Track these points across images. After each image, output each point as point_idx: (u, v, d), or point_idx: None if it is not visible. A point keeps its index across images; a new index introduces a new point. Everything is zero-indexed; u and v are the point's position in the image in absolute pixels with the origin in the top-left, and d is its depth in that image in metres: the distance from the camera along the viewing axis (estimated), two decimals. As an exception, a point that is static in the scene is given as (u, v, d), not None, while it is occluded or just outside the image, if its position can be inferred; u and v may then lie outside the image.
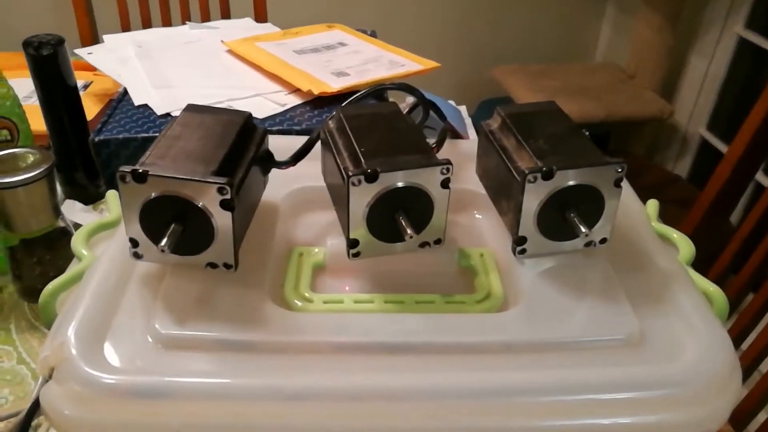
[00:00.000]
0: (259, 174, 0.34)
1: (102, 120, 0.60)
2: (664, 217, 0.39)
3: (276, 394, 0.27)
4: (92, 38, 1.17)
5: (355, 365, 0.28)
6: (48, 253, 0.53)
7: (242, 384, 0.27)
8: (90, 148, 0.58)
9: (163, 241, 0.28)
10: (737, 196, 0.86)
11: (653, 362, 0.28)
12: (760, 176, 1.37)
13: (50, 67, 0.60)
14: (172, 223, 0.29)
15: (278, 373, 0.27)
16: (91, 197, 0.68)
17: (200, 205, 0.29)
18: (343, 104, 0.37)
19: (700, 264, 0.36)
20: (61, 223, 0.54)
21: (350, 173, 0.29)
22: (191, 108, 0.34)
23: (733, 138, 0.82)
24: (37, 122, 0.65)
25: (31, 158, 0.51)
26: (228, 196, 0.28)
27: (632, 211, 0.37)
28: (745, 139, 0.80)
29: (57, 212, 0.53)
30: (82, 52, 0.75)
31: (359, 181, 0.29)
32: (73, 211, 0.64)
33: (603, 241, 0.33)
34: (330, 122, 0.35)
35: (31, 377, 0.49)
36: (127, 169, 0.28)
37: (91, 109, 0.75)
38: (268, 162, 0.35)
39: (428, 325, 0.30)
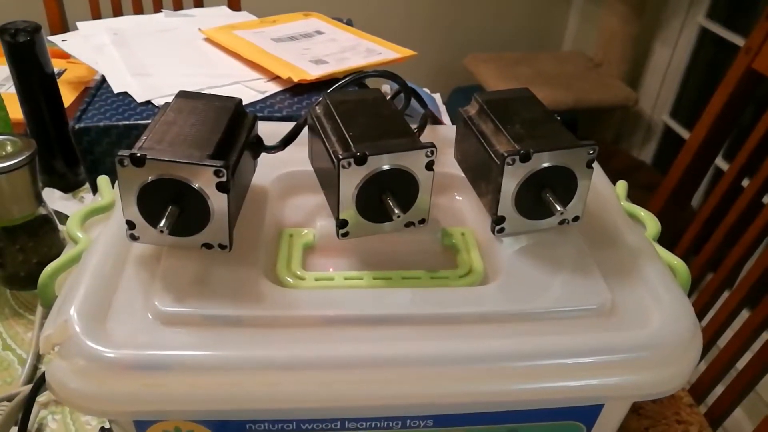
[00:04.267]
0: (250, 158, 0.35)
1: (81, 107, 0.60)
2: (631, 201, 0.42)
3: (271, 364, 0.28)
4: (62, 25, 1.15)
5: (347, 336, 0.30)
6: (30, 241, 0.54)
7: (239, 356, 0.28)
8: (70, 135, 0.59)
9: (162, 223, 0.29)
10: (698, 181, 0.90)
11: (623, 329, 0.30)
12: (719, 161, 1.42)
13: (27, 54, 0.60)
14: (169, 206, 0.30)
15: (274, 345, 0.29)
16: (70, 185, 0.68)
17: (196, 187, 0.30)
18: (329, 90, 0.39)
19: (664, 245, 0.38)
20: (43, 211, 0.55)
21: (340, 156, 0.31)
22: (183, 94, 0.35)
23: (694, 125, 0.86)
24: (13, 110, 0.64)
25: (9, 146, 0.52)
26: (224, 179, 0.29)
27: (603, 192, 0.39)
28: (706, 126, 0.84)
29: (39, 200, 0.54)
30: (57, 39, 0.74)
31: (349, 164, 0.31)
32: (52, 199, 0.64)
33: (576, 219, 0.35)
34: (317, 108, 0.37)
35: (17, 363, 0.49)
36: (125, 153, 0.29)
37: (66, 97, 0.74)
38: (258, 147, 0.36)
39: (414, 299, 0.31)
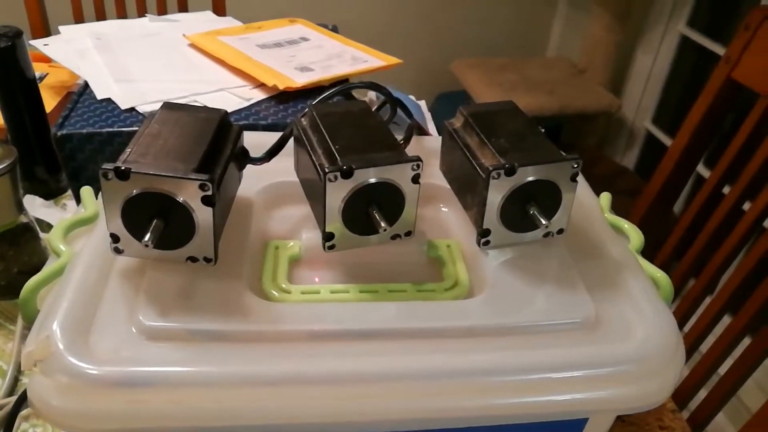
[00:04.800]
0: (236, 170, 0.35)
1: (63, 114, 0.59)
2: (614, 207, 0.42)
3: (257, 380, 0.28)
4: (44, 29, 1.14)
5: (333, 351, 0.29)
6: (11, 249, 0.53)
7: (225, 372, 0.28)
8: (52, 142, 0.58)
9: (147, 236, 0.29)
10: (680, 187, 0.91)
11: (607, 342, 0.31)
12: (701, 168, 1.44)
13: (8, 59, 0.59)
14: (154, 219, 0.30)
15: (260, 360, 0.29)
16: (52, 192, 0.67)
17: (181, 201, 0.30)
18: (314, 102, 0.39)
19: (647, 251, 0.39)
20: (24, 219, 0.54)
21: (327, 170, 0.31)
22: (168, 106, 0.35)
23: (676, 132, 0.87)
24: (-6, 116, 0.63)
25: (-10, 153, 0.51)
26: (209, 192, 0.29)
27: (587, 204, 0.40)
28: (687, 134, 0.85)
29: (20, 208, 0.53)
30: (38, 44, 0.73)
31: (335, 177, 0.31)
32: (33, 206, 0.63)
33: (560, 231, 0.35)
34: (302, 119, 0.37)
35: (-2, 374, 0.48)
36: (109, 166, 0.29)
37: (48, 102, 0.73)
38: (244, 158, 0.36)
39: (400, 313, 0.31)
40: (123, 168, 0.29)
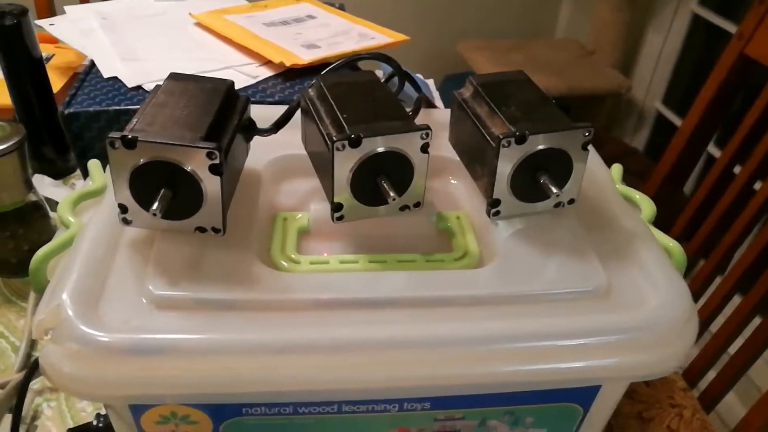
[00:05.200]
0: (243, 141, 0.35)
1: (70, 93, 0.59)
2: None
3: (267, 348, 0.28)
4: (49, 10, 1.14)
5: (343, 320, 0.29)
6: (21, 227, 0.53)
7: (234, 339, 0.28)
8: (59, 121, 0.58)
9: (155, 206, 0.29)
10: (691, 168, 0.90)
11: (619, 310, 0.30)
12: (711, 148, 1.43)
13: (14, 38, 0.59)
14: (162, 189, 0.30)
15: (269, 328, 0.29)
16: (60, 171, 0.67)
17: (189, 169, 0.29)
18: (323, 72, 0.38)
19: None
20: (33, 197, 0.54)
21: (334, 139, 0.30)
22: (174, 76, 0.35)
23: (686, 112, 0.86)
24: (0, 95, 0.63)
25: (-2, 132, 0.51)
26: (217, 161, 0.29)
27: (598, 174, 0.39)
28: (698, 113, 0.84)
29: (29, 186, 0.53)
30: (44, 23, 0.73)
31: (343, 146, 0.31)
32: (42, 185, 0.64)
33: (571, 201, 0.35)
34: (310, 91, 0.36)
35: (10, 350, 0.49)
36: (116, 135, 0.29)
37: (55, 83, 0.73)
38: (251, 129, 0.36)
39: (410, 282, 0.31)
40: (130, 136, 0.29)
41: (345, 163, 0.31)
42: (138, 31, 0.72)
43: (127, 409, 0.30)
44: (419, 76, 0.77)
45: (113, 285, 0.30)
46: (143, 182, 0.30)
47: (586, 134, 0.33)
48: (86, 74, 0.61)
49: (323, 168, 0.34)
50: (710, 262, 0.79)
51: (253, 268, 0.31)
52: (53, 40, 0.79)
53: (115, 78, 0.60)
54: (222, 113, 0.33)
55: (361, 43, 0.68)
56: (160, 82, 0.60)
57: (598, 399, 0.33)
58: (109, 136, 0.29)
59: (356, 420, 0.32)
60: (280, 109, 0.40)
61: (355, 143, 0.31)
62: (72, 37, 0.70)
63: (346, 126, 0.32)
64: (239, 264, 0.31)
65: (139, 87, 0.59)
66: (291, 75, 0.62)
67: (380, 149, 0.31)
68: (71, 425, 0.43)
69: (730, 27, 1.54)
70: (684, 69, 1.77)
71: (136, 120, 0.31)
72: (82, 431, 0.39)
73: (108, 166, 0.38)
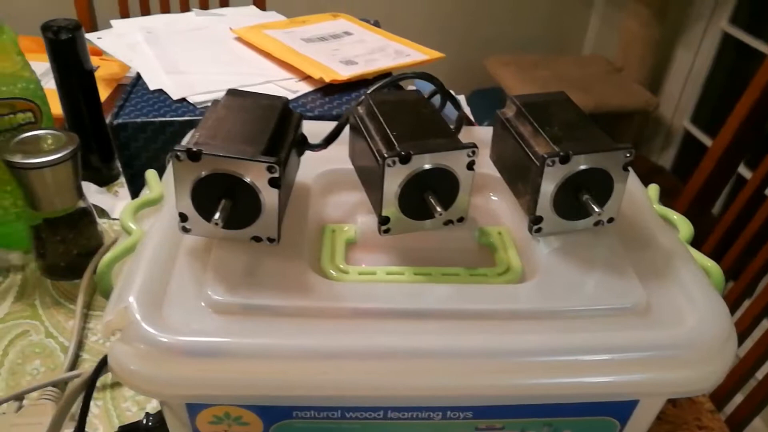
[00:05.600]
0: (296, 155, 0.37)
1: (118, 104, 0.61)
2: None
3: (318, 354, 0.30)
4: (91, 24, 1.18)
5: (390, 329, 0.31)
6: (71, 232, 0.55)
7: (287, 345, 0.30)
8: (106, 130, 0.60)
9: (216, 216, 0.30)
10: (720, 188, 0.90)
11: (658, 328, 0.31)
12: (742, 169, 1.42)
13: (68, 51, 0.62)
14: (222, 199, 0.31)
15: (321, 335, 0.30)
16: (104, 179, 0.70)
17: (249, 182, 0.31)
18: (370, 90, 0.40)
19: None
20: (83, 204, 0.56)
21: (385, 155, 0.32)
22: (232, 92, 0.36)
23: (715, 131, 0.86)
24: (53, 105, 0.66)
25: (51, 140, 0.53)
26: (276, 175, 0.31)
27: (636, 194, 0.40)
28: (730, 132, 0.84)
29: (80, 193, 0.55)
30: (92, 37, 0.76)
31: (393, 163, 0.32)
32: (88, 192, 0.66)
33: (611, 220, 0.36)
34: (359, 108, 0.38)
35: (59, 350, 0.51)
36: (182, 147, 0.30)
37: (101, 93, 0.76)
38: (303, 144, 0.37)
39: (454, 294, 0.32)
40: (195, 149, 0.30)
41: (394, 178, 0.33)
42: (181, 45, 0.74)
43: (183, 408, 0.31)
44: (451, 92, 0.78)
45: (174, 289, 0.31)
46: (204, 193, 0.31)
47: (627, 155, 0.34)
48: (133, 86, 0.64)
49: (371, 182, 0.35)
50: (739, 284, 0.79)
51: (305, 277, 0.32)
52: (98, 53, 0.83)
53: (161, 90, 0.63)
54: (279, 129, 0.34)
55: (398, 59, 0.70)
56: (204, 95, 0.63)
57: (635, 414, 0.33)
58: (175, 148, 0.30)
59: (400, 426, 0.33)
60: (322, 124, 0.41)
61: (405, 160, 0.32)
62: (118, 50, 0.73)
63: (396, 143, 0.33)
64: (292, 272, 0.33)
65: (184, 99, 0.62)
66: (329, 90, 0.64)
67: (428, 166, 0.33)
68: (117, 424, 0.45)
69: (761, 46, 1.54)
70: (713, 88, 1.77)
71: (198, 134, 0.32)
72: (132, 429, 0.41)
73: (164, 176, 0.40)
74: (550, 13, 2.05)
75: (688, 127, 1.82)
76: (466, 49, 2.00)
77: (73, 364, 0.49)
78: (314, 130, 0.41)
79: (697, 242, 0.38)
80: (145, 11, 1.23)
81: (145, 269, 0.32)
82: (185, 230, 0.33)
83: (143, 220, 0.37)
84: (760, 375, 0.73)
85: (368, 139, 0.35)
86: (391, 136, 0.34)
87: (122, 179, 0.71)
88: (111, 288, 0.32)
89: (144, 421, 0.40)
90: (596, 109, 1.65)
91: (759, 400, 0.71)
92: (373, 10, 1.46)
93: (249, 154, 0.31)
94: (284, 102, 0.36)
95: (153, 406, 0.46)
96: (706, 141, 1.72)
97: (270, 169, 0.31)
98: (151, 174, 0.39)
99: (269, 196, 0.31)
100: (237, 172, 0.31)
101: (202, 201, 0.32)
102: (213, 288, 0.31)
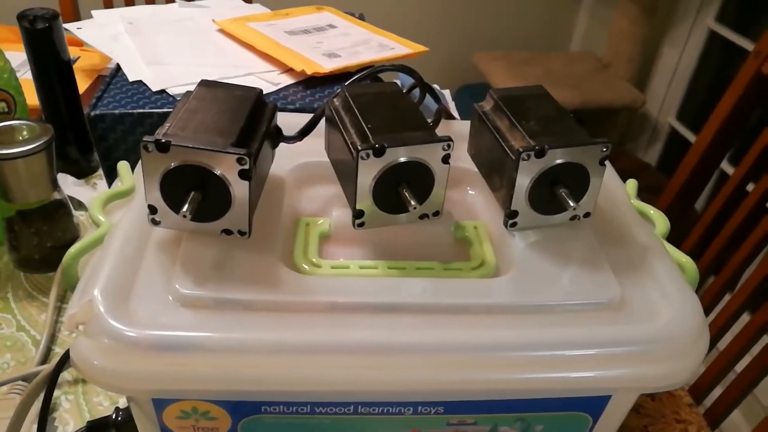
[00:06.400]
0: (269, 148, 0.36)
1: (96, 95, 0.60)
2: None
3: (288, 348, 0.29)
4: (74, 14, 1.16)
5: (362, 323, 0.30)
6: (45, 225, 0.55)
7: (256, 339, 0.29)
8: (84, 122, 0.59)
9: (185, 208, 0.30)
10: (703, 184, 0.90)
11: (632, 322, 0.31)
12: (724, 164, 1.43)
13: (45, 41, 0.61)
14: (191, 191, 0.31)
15: (290, 329, 0.30)
16: (82, 171, 0.69)
17: (219, 174, 0.30)
18: (347, 83, 0.39)
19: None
20: (58, 196, 0.55)
21: (359, 148, 0.31)
22: (205, 83, 0.36)
23: (700, 128, 0.86)
24: (29, 96, 0.65)
25: (26, 131, 0.52)
26: (246, 167, 0.30)
27: (613, 189, 0.40)
28: (713, 129, 0.84)
29: (55, 185, 0.55)
30: (72, 27, 0.75)
31: (367, 155, 0.32)
32: (65, 184, 0.65)
33: (587, 215, 0.36)
34: (335, 100, 0.37)
35: (31, 344, 0.50)
36: (150, 138, 0.30)
37: (79, 84, 0.75)
38: (277, 136, 0.37)
39: (428, 288, 0.32)
40: (164, 141, 0.30)
41: (368, 171, 0.32)
42: (163, 36, 0.73)
43: (150, 403, 0.31)
44: (436, 86, 0.78)
45: (142, 283, 0.31)
46: (173, 185, 0.31)
47: (604, 150, 0.34)
48: (112, 77, 0.63)
49: (346, 175, 0.35)
50: (720, 279, 0.79)
51: (276, 271, 0.32)
52: (79, 43, 0.81)
53: (140, 82, 0.62)
54: (251, 120, 0.34)
55: (381, 53, 0.70)
56: (184, 87, 0.62)
57: (607, 409, 0.33)
58: (144, 139, 0.30)
59: (371, 421, 0.33)
60: (301, 116, 0.41)
61: (379, 152, 0.32)
62: (99, 40, 0.72)
63: (370, 135, 0.33)
64: (263, 266, 0.32)
65: (163, 91, 0.61)
66: (311, 83, 0.63)
67: (403, 159, 0.32)
68: (88, 418, 0.44)
69: (747, 44, 1.55)
70: (699, 85, 1.77)
71: (168, 125, 0.32)
72: (101, 424, 0.40)
73: (137, 168, 0.39)
74: (539, 9, 2.05)
75: (674, 124, 1.83)
76: (454, 44, 2.00)
77: (45, 358, 0.48)
78: (292, 122, 0.40)
79: (680, 237, 0.38)
80: (130, 2, 1.21)
81: (112, 262, 0.31)
82: (154, 222, 0.32)
83: (114, 213, 0.36)
84: (739, 368, 0.73)
85: (343, 132, 0.34)
86: (366, 129, 0.33)
87: (101, 171, 0.70)
88: (77, 280, 0.32)
89: (113, 416, 0.40)
90: (584, 105, 1.66)
91: (738, 394, 0.72)
92: (362, 4, 1.45)
93: (219, 146, 0.30)
94: (258, 93, 0.36)
95: (124, 401, 0.45)
96: (692, 138, 1.73)
97: (240, 161, 0.30)
98: (122, 166, 0.39)
99: (239, 189, 0.31)
100: (206, 163, 0.30)
101: (172, 193, 0.31)
102: (181, 281, 0.30)
